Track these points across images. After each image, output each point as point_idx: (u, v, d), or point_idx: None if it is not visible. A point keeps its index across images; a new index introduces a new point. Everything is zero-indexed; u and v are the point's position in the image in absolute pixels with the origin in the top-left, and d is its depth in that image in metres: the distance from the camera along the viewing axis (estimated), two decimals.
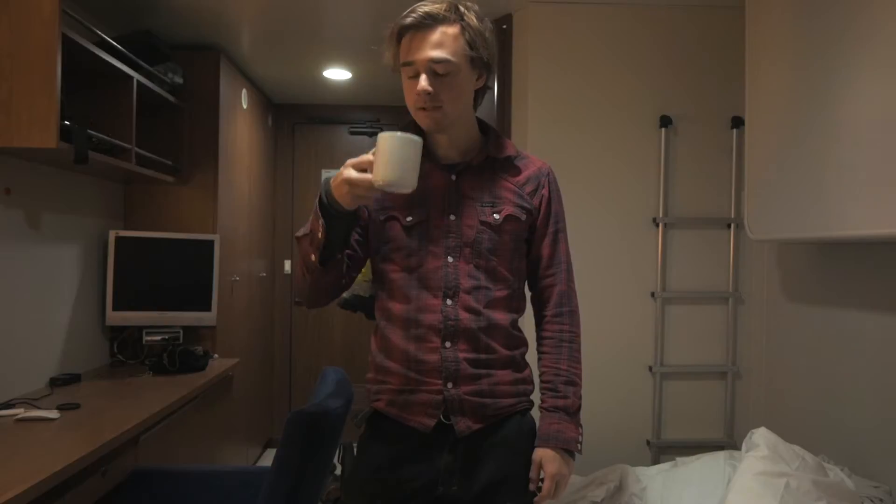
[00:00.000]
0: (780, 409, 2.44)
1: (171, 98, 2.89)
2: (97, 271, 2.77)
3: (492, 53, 1.31)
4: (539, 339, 1.43)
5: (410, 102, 1.29)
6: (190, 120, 3.09)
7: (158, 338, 2.85)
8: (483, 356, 1.31)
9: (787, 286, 2.43)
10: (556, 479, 1.31)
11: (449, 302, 1.30)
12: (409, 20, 1.24)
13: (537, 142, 2.56)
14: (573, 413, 1.36)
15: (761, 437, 1.84)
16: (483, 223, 1.32)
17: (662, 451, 2.64)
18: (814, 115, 1.89)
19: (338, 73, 3.71)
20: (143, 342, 2.85)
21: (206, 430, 2.71)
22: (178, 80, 2.96)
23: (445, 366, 1.29)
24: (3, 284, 2.16)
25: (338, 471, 3.09)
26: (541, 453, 1.32)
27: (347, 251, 1.33)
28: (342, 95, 4.24)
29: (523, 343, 1.40)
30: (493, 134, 1.41)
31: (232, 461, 3.32)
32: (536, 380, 1.43)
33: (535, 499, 1.32)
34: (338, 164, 4.09)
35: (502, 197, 1.35)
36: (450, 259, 1.31)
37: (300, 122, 4.54)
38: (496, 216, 1.33)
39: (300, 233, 1.28)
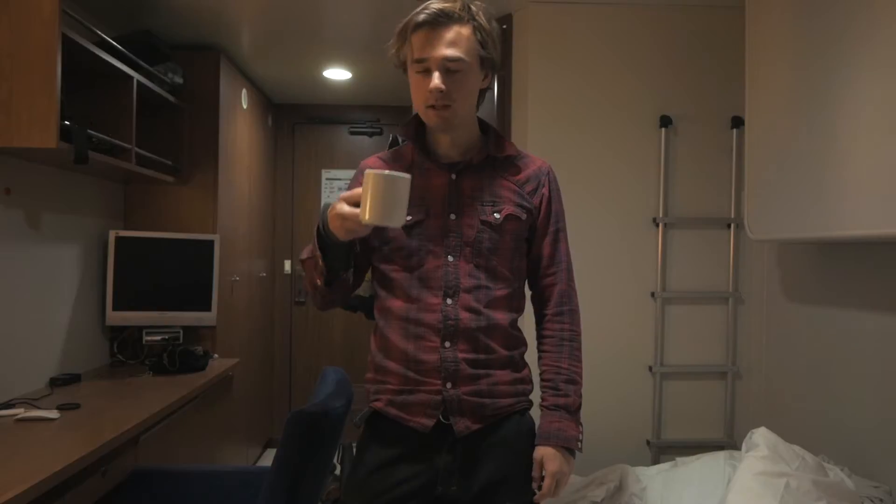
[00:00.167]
0: (780, 409, 2.44)
1: (171, 98, 2.89)
2: (97, 271, 2.77)
3: (499, 54, 1.33)
4: (539, 337, 1.43)
5: (419, 99, 1.29)
6: (190, 120, 3.09)
7: (158, 338, 2.85)
8: (482, 356, 1.31)
9: (787, 286, 2.43)
10: (557, 478, 1.31)
11: (449, 301, 1.30)
12: (423, 17, 1.24)
13: (537, 142, 2.56)
14: (574, 411, 1.36)
15: (761, 437, 1.84)
16: (484, 223, 1.32)
17: (662, 451, 2.64)
18: (814, 115, 1.89)
19: (338, 73, 3.71)
20: (143, 342, 2.85)
21: (206, 430, 2.71)
22: (178, 80, 2.96)
23: (444, 366, 1.29)
24: (3, 284, 2.16)
25: (338, 471, 3.09)
26: (542, 451, 1.33)
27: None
28: (342, 95, 4.24)
29: (522, 343, 1.40)
30: (492, 133, 1.41)
31: (232, 461, 3.32)
32: (536, 379, 1.43)
33: (536, 497, 1.32)
34: (338, 164, 4.10)
35: (502, 196, 1.35)
36: (450, 258, 1.31)
37: (300, 122, 4.54)
38: (497, 215, 1.33)
39: (303, 256, 1.32)
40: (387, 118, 4.52)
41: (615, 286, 2.62)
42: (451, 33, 1.25)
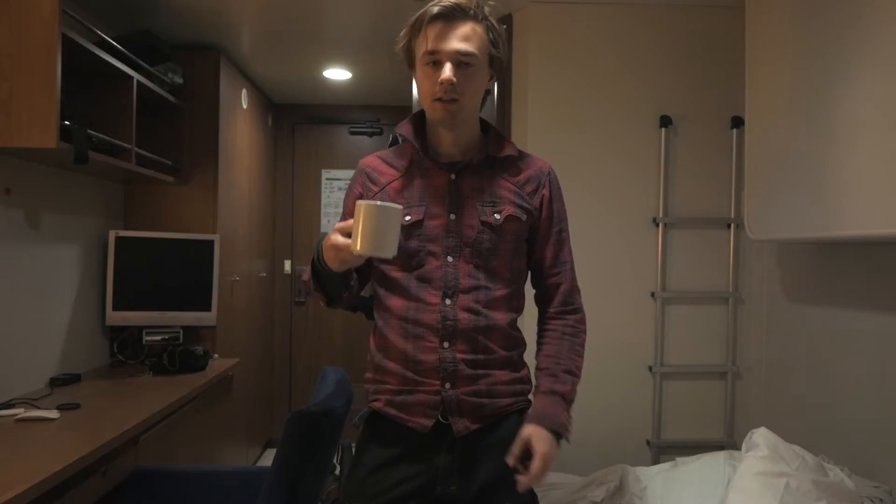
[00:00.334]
0: (780, 409, 2.44)
1: (171, 98, 2.89)
2: (97, 271, 2.77)
3: (506, 57, 1.34)
4: (540, 332, 1.42)
5: (427, 92, 1.28)
6: (190, 120, 3.09)
7: (158, 338, 2.85)
8: (481, 357, 1.31)
9: (787, 286, 2.43)
10: (545, 461, 1.25)
11: (448, 301, 1.30)
12: (438, 9, 1.25)
13: (537, 142, 2.56)
14: (569, 402, 1.34)
15: (761, 437, 1.84)
16: (484, 223, 1.32)
17: (662, 451, 2.64)
18: (814, 115, 1.89)
19: (338, 73, 3.71)
20: (143, 342, 2.85)
21: (206, 430, 2.71)
22: (178, 80, 2.96)
23: (443, 366, 1.29)
24: (3, 284, 2.16)
25: (338, 471, 3.09)
26: (531, 430, 1.26)
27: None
28: (342, 95, 4.24)
29: (521, 343, 1.40)
30: (493, 133, 1.40)
31: (232, 461, 3.32)
32: (535, 379, 1.43)
33: (522, 478, 1.23)
34: (338, 164, 4.09)
35: (502, 197, 1.35)
36: (449, 259, 1.31)
37: (300, 122, 4.54)
38: (497, 216, 1.33)
39: (304, 278, 1.35)
40: (387, 118, 4.52)
41: (615, 286, 2.62)
42: (466, 28, 1.26)
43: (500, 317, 1.33)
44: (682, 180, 2.64)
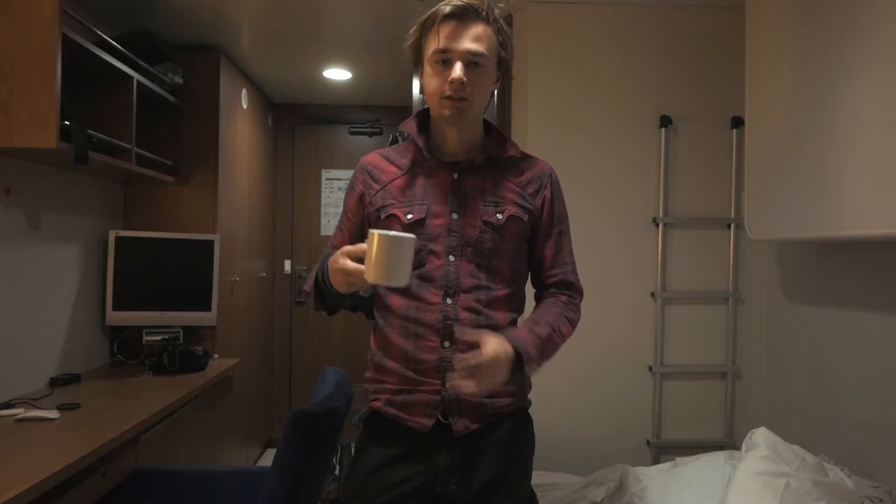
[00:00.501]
0: (780, 409, 2.44)
1: (171, 98, 2.89)
2: (97, 271, 2.77)
3: (512, 60, 1.36)
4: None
5: (436, 89, 1.28)
6: (190, 120, 3.09)
7: (158, 338, 2.85)
8: None
9: (787, 286, 2.43)
10: (489, 370, 1.16)
11: (449, 301, 1.29)
12: (451, 8, 1.26)
13: (537, 142, 2.56)
14: (542, 343, 1.26)
15: (761, 437, 1.84)
16: (486, 223, 1.32)
17: (662, 451, 2.64)
18: (814, 115, 1.89)
19: (338, 73, 3.70)
20: (143, 342, 2.85)
21: (206, 430, 2.71)
22: (178, 80, 2.96)
23: (444, 366, 1.29)
24: (3, 284, 2.16)
25: (338, 471, 3.09)
26: (494, 339, 1.18)
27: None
28: (342, 95, 4.24)
29: None
30: (495, 133, 1.41)
31: (232, 461, 3.32)
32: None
33: (460, 360, 1.16)
34: (338, 164, 4.09)
35: (504, 197, 1.35)
36: (451, 258, 1.31)
37: (300, 122, 4.54)
38: (499, 216, 1.33)
39: (306, 288, 1.37)
40: (387, 118, 4.52)
41: (615, 286, 2.62)
42: (478, 29, 1.26)
43: (501, 317, 1.33)
44: (682, 180, 2.64)
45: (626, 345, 2.63)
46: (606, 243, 2.61)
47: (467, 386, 1.15)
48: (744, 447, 1.88)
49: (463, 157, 1.36)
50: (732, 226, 2.64)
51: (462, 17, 1.26)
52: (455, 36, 1.25)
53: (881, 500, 1.78)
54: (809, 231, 1.93)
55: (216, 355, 3.03)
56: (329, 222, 4.52)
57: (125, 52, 2.46)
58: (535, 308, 1.39)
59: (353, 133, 4.55)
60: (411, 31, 1.32)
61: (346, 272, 1.16)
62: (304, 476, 1.55)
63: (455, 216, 1.32)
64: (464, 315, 1.29)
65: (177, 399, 2.26)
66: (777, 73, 2.11)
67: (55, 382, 2.36)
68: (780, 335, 2.46)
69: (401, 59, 3.32)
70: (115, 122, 2.45)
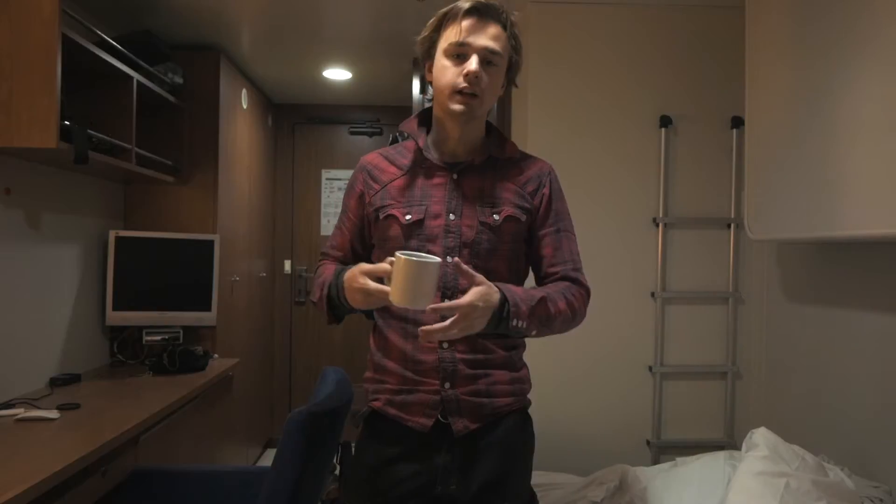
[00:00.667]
0: (780, 409, 2.44)
1: (171, 98, 2.89)
2: (97, 271, 2.77)
3: (520, 67, 1.37)
4: None
5: (447, 83, 1.28)
6: (190, 120, 3.09)
7: (158, 338, 2.85)
8: (480, 356, 1.31)
9: (787, 286, 2.43)
10: (468, 312, 1.15)
11: (447, 302, 1.29)
12: (471, 4, 1.27)
13: (537, 142, 2.56)
14: (533, 310, 1.24)
15: (761, 437, 1.84)
16: (483, 224, 1.32)
17: (662, 451, 2.64)
18: (814, 115, 1.89)
19: (338, 73, 3.71)
20: (143, 342, 2.85)
21: (206, 430, 2.71)
22: (178, 80, 2.96)
23: (443, 366, 1.29)
24: (3, 284, 2.16)
25: (338, 471, 3.09)
26: (482, 285, 1.18)
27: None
28: (342, 95, 4.24)
29: (521, 343, 1.40)
30: (495, 133, 1.41)
31: (232, 461, 3.32)
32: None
33: (437, 305, 1.15)
34: (338, 164, 4.08)
35: (502, 197, 1.35)
36: (448, 259, 1.31)
37: (300, 122, 4.54)
38: (496, 217, 1.33)
39: (314, 299, 1.40)
40: (387, 118, 4.52)
41: (615, 286, 2.61)
42: (495, 29, 1.28)
43: None
44: (682, 180, 2.64)
45: (626, 345, 2.63)
46: (606, 243, 2.61)
47: (441, 328, 1.14)
48: (744, 447, 1.88)
49: (463, 157, 1.36)
50: (732, 226, 2.64)
51: (483, 14, 1.27)
52: (474, 31, 1.27)
53: (881, 500, 1.78)
54: (809, 231, 1.93)
55: (216, 355, 3.04)
56: (329, 222, 4.52)
57: (125, 52, 2.46)
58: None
59: (353, 133, 4.55)
60: (429, 22, 1.33)
61: (368, 293, 1.18)
62: (304, 476, 1.55)
63: (452, 217, 1.32)
64: None
65: (177, 399, 2.26)
66: (777, 73, 2.11)
67: (55, 382, 2.36)
68: (780, 335, 2.45)
69: (401, 59, 3.33)
70: (115, 122, 2.45)
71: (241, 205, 3.62)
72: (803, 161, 1.94)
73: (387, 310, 1.35)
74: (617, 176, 2.63)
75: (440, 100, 1.32)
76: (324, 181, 4.55)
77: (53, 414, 1.96)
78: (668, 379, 2.65)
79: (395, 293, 1.13)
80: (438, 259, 1.14)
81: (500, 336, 1.29)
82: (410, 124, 1.40)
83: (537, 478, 1.58)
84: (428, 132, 1.39)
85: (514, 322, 1.21)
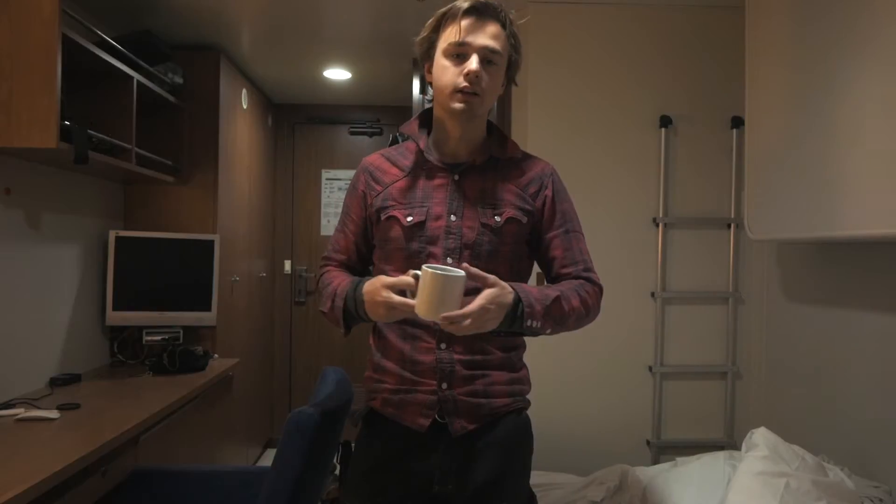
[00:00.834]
0: (780, 409, 2.44)
1: (171, 98, 2.89)
2: (97, 271, 2.77)
3: (519, 66, 1.36)
4: None
5: (447, 83, 1.28)
6: (190, 120, 3.09)
7: (158, 338, 2.85)
8: (478, 357, 1.31)
9: (787, 286, 2.43)
10: (483, 310, 1.15)
11: None
12: (470, 4, 1.27)
13: (537, 142, 2.56)
14: (547, 310, 1.24)
15: (761, 437, 1.84)
16: (484, 225, 1.32)
17: (662, 451, 2.64)
18: (814, 115, 1.89)
19: (338, 73, 3.70)
20: (143, 342, 2.85)
21: (206, 430, 2.71)
22: (178, 80, 2.96)
23: (440, 367, 1.29)
24: (3, 284, 2.16)
25: (338, 471, 3.09)
26: (498, 286, 1.18)
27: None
28: (342, 95, 4.24)
29: (520, 344, 1.40)
30: (497, 134, 1.40)
31: (232, 461, 3.32)
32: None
33: (450, 313, 1.13)
34: (338, 164, 4.07)
35: (504, 199, 1.34)
36: (449, 261, 1.30)
37: (300, 122, 4.54)
38: (497, 218, 1.32)
39: (324, 310, 1.36)
40: (387, 118, 4.52)
41: (615, 286, 2.59)
42: (494, 27, 1.28)
43: None
44: (682, 180, 2.64)
45: (626, 345, 2.63)
46: (606, 243, 2.61)
47: (455, 328, 1.14)
48: (744, 447, 1.88)
49: (464, 157, 1.36)
50: (732, 226, 2.64)
51: (482, 13, 1.27)
52: (474, 31, 1.26)
53: (881, 500, 1.78)
54: (809, 231, 1.93)
55: (216, 355, 3.03)
56: (329, 222, 4.52)
57: (125, 52, 2.46)
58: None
59: (353, 133, 4.55)
60: (428, 22, 1.32)
61: (392, 306, 1.18)
62: (304, 476, 1.55)
63: (453, 218, 1.32)
64: None
65: (177, 399, 2.26)
66: (777, 73, 2.11)
67: (55, 382, 2.36)
68: (780, 335, 2.46)
69: (401, 59, 3.33)
70: (115, 122, 2.45)
71: (241, 205, 3.62)
72: (803, 161, 1.94)
73: None
74: (617, 176, 2.63)
75: (440, 100, 1.31)
76: (324, 181, 4.55)
77: (53, 414, 1.96)
78: (668, 379, 2.65)
79: (421, 306, 1.14)
80: (464, 273, 1.15)
81: (513, 334, 1.30)
82: (411, 126, 1.39)
83: (537, 478, 1.58)
84: (429, 133, 1.39)
85: (529, 322, 1.22)
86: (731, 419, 2.65)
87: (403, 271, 1.31)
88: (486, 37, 1.27)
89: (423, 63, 1.36)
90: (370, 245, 1.42)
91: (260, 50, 3.33)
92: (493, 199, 1.34)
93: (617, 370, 2.63)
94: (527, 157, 1.42)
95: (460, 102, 1.27)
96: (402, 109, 4.26)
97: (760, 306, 2.58)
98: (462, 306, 1.14)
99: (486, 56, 1.27)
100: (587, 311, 1.33)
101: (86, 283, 2.67)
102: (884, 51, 1.61)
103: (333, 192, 4.53)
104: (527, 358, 1.42)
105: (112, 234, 2.75)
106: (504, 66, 1.32)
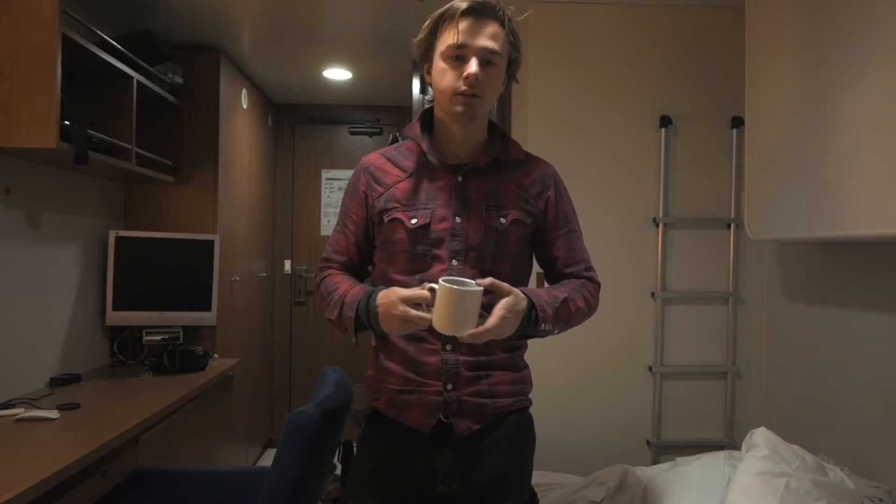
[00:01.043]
0: (780, 409, 2.44)
1: (171, 98, 2.89)
2: (97, 271, 2.77)
3: (519, 65, 1.36)
4: None
5: (447, 85, 1.27)
6: (190, 120, 3.09)
7: (158, 338, 2.85)
8: (482, 358, 1.31)
9: (787, 286, 2.43)
10: (503, 321, 1.17)
11: None
12: (467, 5, 1.26)
13: (537, 142, 2.56)
14: (557, 312, 1.27)
15: (761, 437, 1.84)
16: (489, 227, 1.32)
17: (662, 451, 2.64)
18: (814, 115, 1.89)
19: (338, 73, 3.71)
20: (143, 342, 2.85)
21: (206, 430, 2.71)
22: (178, 80, 2.96)
23: (445, 368, 1.29)
24: (3, 284, 2.16)
25: (338, 471, 3.09)
26: (512, 294, 1.20)
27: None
28: (342, 95, 4.24)
29: (522, 344, 1.40)
30: (499, 135, 1.40)
31: (232, 461, 3.32)
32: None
33: (474, 330, 1.15)
34: (338, 164, 4.08)
35: (508, 200, 1.34)
36: (454, 262, 1.30)
37: (300, 122, 4.54)
38: (503, 220, 1.32)
39: (331, 318, 1.33)
40: (387, 118, 4.52)
41: (615, 286, 2.60)
42: (493, 28, 1.27)
43: None
44: (682, 180, 2.64)
45: (626, 345, 2.63)
46: (606, 243, 2.60)
47: (480, 332, 1.16)
48: (744, 447, 1.88)
49: (467, 158, 1.36)
50: (732, 226, 2.64)
51: (480, 13, 1.26)
52: (472, 32, 1.25)
53: (881, 500, 1.78)
54: (809, 231, 1.93)
55: (216, 355, 3.03)
56: (329, 222, 4.52)
57: (125, 52, 2.46)
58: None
59: (353, 133, 4.55)
60: (425, 24, 1.31)
61: (408, 320, 1.17)
62: (304, 476, 1.55)
63: (458, 220, 1.31)
64: None
65: (177, 399, 2.26)
66: (777, 73, 2.11)
67: (55, 382, 2.36)
68: (780, 335, 2.45)
69: (401, 59, 3.33)
70: (115, 122, 2.45)
71: (241, 205, 3.62)
72: (803, 161, 1.94)
73: None
74: (617, 176, 2.63)
75: (441, 102, 1.31)
76: (324, 181, 4.55)
77: (53, 414, 1.96)
78: (668, 379, 2.65)
79: (438, 321, 1.14)
80: (480, 287, 1.15)
81: (525, 338, 1.32)
82: (414, 129, 1.38)
83: (537, 478, 1.58)
84: (430, 134, 1.39)
85: (542, 325, 1.24)
86: (731, 419, 2.65)
87: (407, 273, 1.31)
88: (485, 38, 1.26)
89: (421, 64, 1.36)
90: (371, 246, 1.41)
91: (260, 50, 3.33)
92: (498, 201, 1.34)
93: (617, 370, 2.63)
94: (529, 158, 1.42)
95: (461, 105, 1.26)
96: (402, 109, 4.26)
97: (760, 306, 2.58)
98: (478, 318, 1.14)
99: (486, 57, 1.26)
100: (589, 310, 1.37)
101: (86, 283, 2.67)
102: (884, 51, 1.61)
103: (333, 192, 4.53)
104: (527, 358, 1.43)
105: (112, 234, 2.76)
106: (504, 65, 1.31)
